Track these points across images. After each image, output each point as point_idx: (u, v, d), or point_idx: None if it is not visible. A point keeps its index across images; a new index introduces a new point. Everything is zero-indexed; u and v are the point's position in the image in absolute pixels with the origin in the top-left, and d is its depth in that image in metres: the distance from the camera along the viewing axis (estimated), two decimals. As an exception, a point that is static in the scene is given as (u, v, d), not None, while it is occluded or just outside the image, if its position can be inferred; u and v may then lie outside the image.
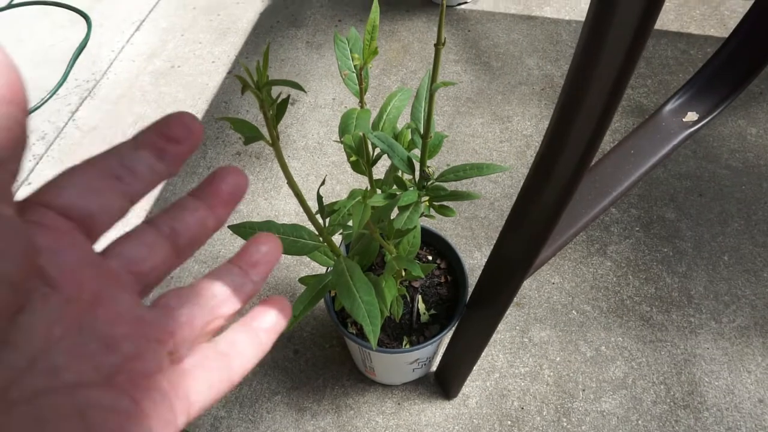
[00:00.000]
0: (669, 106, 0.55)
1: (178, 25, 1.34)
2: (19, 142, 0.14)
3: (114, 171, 0.17)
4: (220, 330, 0.20)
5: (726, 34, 0.53)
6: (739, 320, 0.87)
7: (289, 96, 0.39)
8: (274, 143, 0.40)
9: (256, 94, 0.36)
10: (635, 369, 0.83)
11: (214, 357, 0.19)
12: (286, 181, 0.45)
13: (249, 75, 0.35)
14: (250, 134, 0.36)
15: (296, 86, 0.34)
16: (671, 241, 0.96)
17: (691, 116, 0.54)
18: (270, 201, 1.02)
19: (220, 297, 0.19)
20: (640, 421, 0.79)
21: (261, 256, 0.21)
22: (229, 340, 0.20)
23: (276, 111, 0.39)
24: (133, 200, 0.18)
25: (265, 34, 1.31)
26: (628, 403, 0.80)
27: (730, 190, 1.02)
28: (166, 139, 0.18)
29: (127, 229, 0.19)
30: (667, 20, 1.31)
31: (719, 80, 0.55)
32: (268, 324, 0.20)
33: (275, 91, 0.37)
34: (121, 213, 0.18)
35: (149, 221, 0.19)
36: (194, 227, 0.19)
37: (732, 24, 1.30)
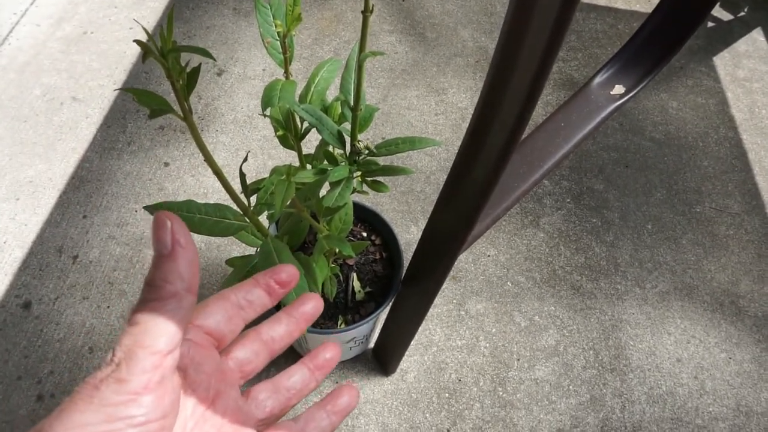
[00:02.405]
0: (597, 80, 0.55)
1: (90, -13, 1.23)
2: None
3: (240, 303, 0.26)
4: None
5: (650, 10, 0.54)
6: (660, 286, 0.92)
7: (200, 64, 0.35)
8: (186, 117, 0.36)
9: (161, 62, 0.32)
10: (566, 336, 0.86)
11: (291, 430, 0.27)
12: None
13: (152, 41, 0.31)
14: (157, 107, 0.33)
15: (205, 53, 0.31)
16: (600, 211, 0.99)
17: (618, 89, 0.55)
18: (197, 178, 0.97)
19: (293, 391, 0.28)
20: (571, 386, 0.82)
21: (325, 361, 0.29)
22: (306, 418, 0.28)
23: (186, 80, 0.35)
24: (247, 322, 0.27)
25: (188, -1, 1.23)
26: (560, 370, 0.83)
27: (653, 161, 1.06)
28: (276, 282, 0.27)
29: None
30: (596, -6, 1.33)
31: (643, 55, 0.56)
32: (340, 407, 0.28)
33: (193, 61, 0.33)
34: (239, 330, 0.26)
35: (256, 329, 0.28)
36: (285, 336, 0.28)
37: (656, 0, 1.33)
